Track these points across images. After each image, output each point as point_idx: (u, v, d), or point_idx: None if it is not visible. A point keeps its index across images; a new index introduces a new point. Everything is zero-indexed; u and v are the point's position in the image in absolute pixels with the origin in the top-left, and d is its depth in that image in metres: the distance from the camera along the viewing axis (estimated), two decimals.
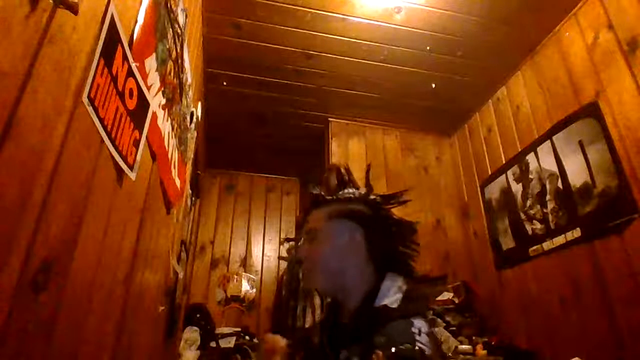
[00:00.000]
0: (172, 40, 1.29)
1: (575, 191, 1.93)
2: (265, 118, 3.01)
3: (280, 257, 3.58)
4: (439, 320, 2.34)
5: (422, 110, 2.94)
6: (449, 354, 2.08)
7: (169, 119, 1.35)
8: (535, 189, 2.22)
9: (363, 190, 0.96)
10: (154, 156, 1.21)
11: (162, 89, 1.21)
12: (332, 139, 3.00)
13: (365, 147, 3.04)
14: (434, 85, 2.64)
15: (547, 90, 2.23)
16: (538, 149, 2.21)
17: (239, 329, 2.92)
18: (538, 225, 2.17)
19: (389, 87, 2.69)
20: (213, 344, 2.61)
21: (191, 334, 2.60)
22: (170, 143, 1.42)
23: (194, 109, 1.95)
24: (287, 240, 3.54)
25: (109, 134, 0.80)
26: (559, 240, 2.01)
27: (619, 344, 1.66)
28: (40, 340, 0.62)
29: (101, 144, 0.79)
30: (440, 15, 2.14)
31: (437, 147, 3.21)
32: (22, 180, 0.55)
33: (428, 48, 2.35)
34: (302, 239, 0.98)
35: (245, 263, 3.50)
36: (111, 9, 0.77)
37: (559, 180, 2.04)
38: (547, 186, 2.12)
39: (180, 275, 2.14)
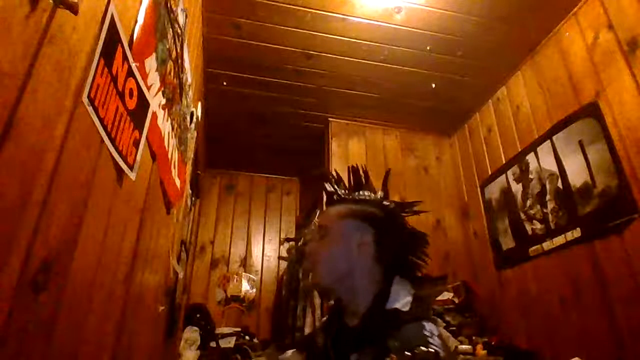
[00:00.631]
0: (172, 40, 1.29)
1: (575, 191, 1.93)
2: (265, 118, 3.01)
3: (280, 257, 3.58)
4: (439, 320, 2.34)
5: (422, 110, 2.94)
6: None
7: (169, 119, 1.35)
8: (535, 189, 2.22)
9: (379, 194, 0.97)
10: (154, 156, 1.21)
11: (162, 89, 1.21)
12: (332, 139, 3.00)
13: (365, 147, 3.04)
14: (434, 85, 2.64)
15: (547, 90, 2.23)
16: (538, 149, 2.21)
17: (239, 329, 2.92)
18: (538, 225, 2.17)
19: (389, 87, 2.69)
20: (213, 344, 2.61)
21: (191, 334, 2.60)
22: (170, 143, 1.42)
23: (194, 109, 1.95)
24: (287, 240, 3.54)
25: (109, 134, 0.80)
26: (559, 240, 2.01)
27: (619, 344, 1.66)
28: (40, 340, 0.62)
29: (101, 144, 0.79)
30: (440, 15, 2.14)
31: (437, 147, 3.21)
32: (22, 180, 0.55)
33: (428, 48, 2.35)
34: (313, 234, 0.98)
35: (245, 263, 3.50)
36: (111, 9, 0.77)
37: (559, 180, 2.04)
38: (547, 186, 2.12)
39: (180, 275, 2.14)
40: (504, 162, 2.53)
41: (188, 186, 2.16)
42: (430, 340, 0.73)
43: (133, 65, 0.91)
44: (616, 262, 1.71)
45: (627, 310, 1.65)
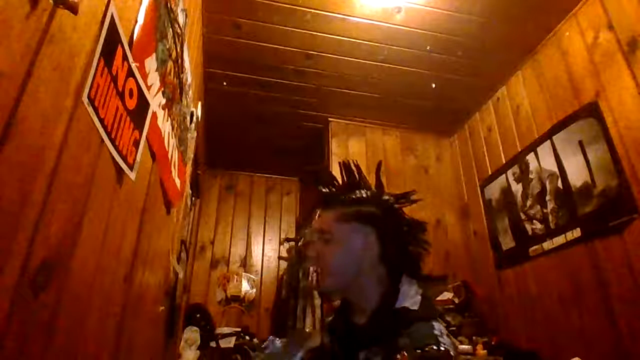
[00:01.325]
0: (172, 40, 1.29)
1: (575, 191, 1.93)
2: (265, 118, 3.01)
3: (280, 257, 3.58)
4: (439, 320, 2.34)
5: (422, 110, 2.94)
6: None
7: (169, 119, 1.35)
8: (535, 189, 2.22)
9: (374, 190, 0.96)
10: (154, 156, 1.21)
11: (162, 89, 1.21)
12: (332, 139, 3.00)
13: (365, 147, 3.04)
14: (434, 85, 2.64)
15: (547, 90, 2.23)
16: (538, 149, 2.21)
17: (239, 329, 2.92)
18: (538, 225, 2.17)
19: (389, 87, 2.69)
20: (213, 344, 2.61)
21: (191, 334, 2.60)
22: (170, 143, 1.42)
23: (194, 109, 1.95)
24: (287, 240, 3.54)
25: (109, 134, 0.80)
26: (559, 240, 2.01)
27: (619, 344, 1.66)
28: (40, 340, 0.62)
29: (101, 144, 0.79)
30: (440, 15, 2.14)
31: (437, 147, 3.21)
32: (22, 180, 0.55)
33: (428, 48, 2.35)
34: (314, 238, 0.97)
35: (245, 263, 3.50)
36: (111, 9, 0.77)
37: (559, 180, 2.04)
38: (547, 186, 2.12)
39: (180, 275, 2.14)
40: (504, 162, 2.53)
41: (188, 186, 2.16)
42: (441, 339, 0.73)
43: (133, 65, 0.91)
44: (616, 262, 1.71)
45: (627, 310, 1.65)
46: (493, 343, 2.20)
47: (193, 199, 2.73)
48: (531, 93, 2.37)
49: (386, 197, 0.95)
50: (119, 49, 0.83)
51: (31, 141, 0.56)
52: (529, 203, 2.25)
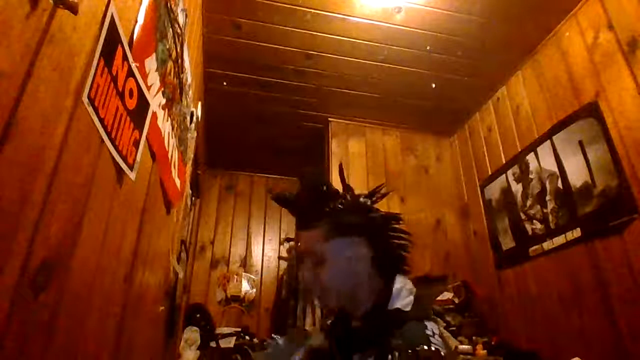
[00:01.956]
0: (172, 40, 1.29)
1: (575, 191, 1.93)
2: (265, 118, 3.01)
3: (280, 257, 3.58)
4: (439, 320, 2.34)
5: (422, 110, 2.94)
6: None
7: (169, 119, 1.35)
8: (535, 189, 2.22)
9: (347, 197, 0.92)
10: (154, 156, 1.21)
11: (162, 89, 1.21)
12: (332, 139, 3.00)
13: (365, 147, 3.04)
14: (434, 85, 2.64)
15: (547, 90, 2.23)
16: (538, 149, 2.21)
17: (239, 329, 2.92)
18: (538, 225, 2.17)
19: (389, 87, 2.68)
20: (213, 344, 2.61)
21: (191, 334, 2.60)
22: (170, 143, 1.42)
23: (194, 109, 1.95)
24: (287, 240, 3.54)
25: (109, 134, 0.80)
26: (559, 240, 2.01)
27: (619, 344, 1.66)
28: (40, 340, 0.62)
29: (101, 144, 0.79)
30: (440, 15, 2.14)
31: (437, 147, 3.21)
32: (22, 180, 0.55)
33: (428, 48, 2.35)
34: (301, 261, 0.95)
35: (245, 263, 3.50)
36: (111, 9, 0.77)
37: (559, 180, 2.04)
38: (547, 186, 2.12)
39: (180, 275, 2.14)
40: (504, 162, 2.53)
41: (188, 186, 2.16)
42: (432, 339, 0.73)
43: (133, 65, 0.91)
44: (616, 262, 1.71)
45: (627, 310, 1.65)
46: (493, 343, 2.20)
47: (193, 199, 2.73)
48: (531, 93, 2.37)
49: (362, 200, 0.92)
50: (119, 49, 0.83)
51: (31, 141, 0.56)
52: (529, 203, 2.25)
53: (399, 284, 0.85)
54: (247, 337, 2.83)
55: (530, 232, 2.22)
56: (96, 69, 0.72)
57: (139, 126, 0.99)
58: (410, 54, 2.40)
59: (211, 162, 3.60)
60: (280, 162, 3.66)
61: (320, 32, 2.25)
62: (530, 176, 2.26)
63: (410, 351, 0.68)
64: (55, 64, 0.61)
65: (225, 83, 2.63)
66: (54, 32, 0.59)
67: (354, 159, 2.97)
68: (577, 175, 1.93)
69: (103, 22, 0.75)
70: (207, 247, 3.48)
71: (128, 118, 0.90)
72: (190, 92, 1.80)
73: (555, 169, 2.07)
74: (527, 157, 2.29)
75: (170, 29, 1.26)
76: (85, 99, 0.69)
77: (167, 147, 1.36)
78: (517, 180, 2.37)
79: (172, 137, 1.43)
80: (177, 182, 1.62)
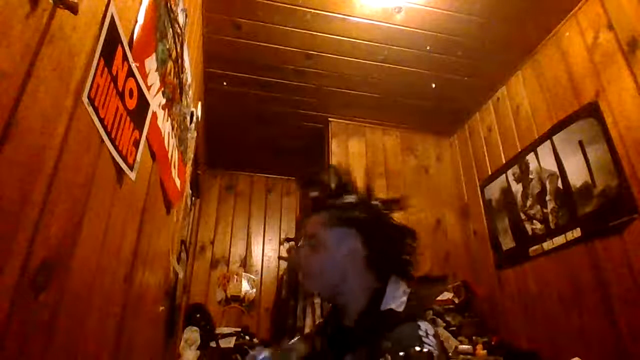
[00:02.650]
0: (172, 40, 1.29)
1: (575, 191, 1.93)
2: (265, 118, 3.01)
3: (280, 257, 3.58)
4: (439, 320, 2.34)
5: (422, 110, 2.94)
6: (449, 354, 2.08)
7: (169, 119, 1.35)
8: (535, 189, 2.22)
9: (363, 195, 0.95)
10: (154, 156, 1.21)
11: (162, 89, 1.21)
12: (332, 139, 3.00)
13: (365, 147, 3.04)
14: (434, 85, 2.64)
15: (547, 90, 2.23)
16: (538, 149, 2.21)
17: (239, 329, 2.92)
18: (538, 225, 2.17)
19: (388, 87, 2.68)
20: (213, 344, 2.61)
21: (191, 334, 2.60)
22: (170, 143, 1.42)
23: (194, 109, 1.95)
24: (287, 240, 3.54)
25: (109, 134, 0.80)
26: (559, 240, 2.01)
27: (619, 344, 1.66)
28: (40, 340, 0.62)
29: (101, 144, 0.79)
30: (440, 15, 2.14)
31: (437, 147, 3.21)
32: (22, 180, 0.55)
33: (428, 48, 2.35)
34: (301, 242, 0.97)
35: (245, 263, 3.50)
36: (111, 9, 0.77)
37: (559, 180, 2.04)
38: (547, 186, 2.12)
39: (180, 275, 2.14)
40: (504, 162, 2.53)
41: (188, 186, 2.16)
42: (425, 339, 0.73)
43: (133, 65, 0.91)
44: (616, 262, 1.71)
45: (627, 310, 1.65)
46: (493, 343, 2.20)
47: (193, 199, 2.73)
48: (531, 93, 2.37)
49: (374, 202, 0.94)
50: (119, 49, 0.83)
51: (31, 141, 0.56)
52: (529, 203, 2.25)
53: (393, 284, 0.85)
54: (247, 337, 2.83)
55: (530, 232, 2.22)
56: (96, 69, 0.72)
57: (139, 126, 0.99)
58: (410, 54, 2.40)
59: (211, 162, 3.60)
60: (280, 162, 3.66)
61: (320, 32, 2.25)
62: (530, 176, 2.26)
63: (402, 353, 0.68)
64: (55, 64, 0.61)
65: (225, 83, 2.63)
66: (54, 32, 0.59)
67: (354, 159, 2.97)
68: (577, 175, 1.93)
69: (103, 22, 0.75)
70: (207, 247, 3.48)
71: (128, 118, 0.90)
72: (190, 92, 1.80)
73: (555, 169, 2.07)
74: (527, 157, 2.29)
75: (170, 29, 1.26)
76: (85, 99, 0.69)
77: (167, 147, 1.36)
78: (517, 180, 2.37)
79: (172, 137, 1.43)
80: (177, 182, 1.62)
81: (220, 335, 2.72)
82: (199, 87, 2.38)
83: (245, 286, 3.32)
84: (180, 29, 1.38)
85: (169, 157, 1.42)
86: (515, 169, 2.40)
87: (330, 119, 3.03)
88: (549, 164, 2.12)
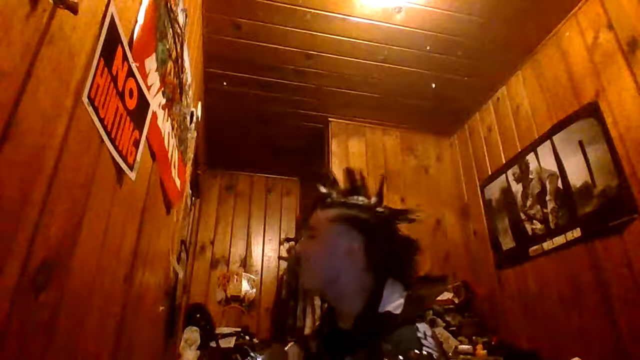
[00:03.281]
0: (172, 40, 1.29)
1: (575, 191, 1.93)
2: (265, 118, 3.01)
3: (280, 257, 3.58)
4: (439, 320, 2.34)
5: (422, 110, 2.94)
6: (449, 354, 2.08)
7: (169, 119, 1.35)
8: (535, 189, 2.22)
9: (373, 200, 0.95)
10: (154, 156, 1.21)
11: (162, 89, 1.21)
12: (332, 139, 3.00)
13: (365, 147, 3.04)
14: (434, 85, 2.64)
15: (547, 90, 2.23)
16: (538, 149, 2.21)
17: (239, 329, 2.92)
18: (538, 225, 2.17)
19: (389, 87, 2.69)
20: (213, 344, 2.61)
21: (191, 334, 2.60)
22: (170, 143, 1.42)
23: (194, 109, 1.95)
24: (287, 240, 3.54)
25: (109, 134, 0.80)
26: (559, 240, 2.01)
27: (619, 344, 1.66)
28: (40, 340, 0.62)
29: (101, 144, 0.79)
30: (440, 15, 2.14)
31: (437, 147, 3.21)
32: (22, 180, 0.55)
33: (428, 48, 2.35)
34: (304, 234, 0.97)
35: (245, 263, 3.50)
36: (111, 9, 0.77)
37: (559, 180, 2.04)
38: (547, 186, 2.12)
39: (180, 275, 2.14)
40: (504, 162, 2.53)
41: (188, 186, 2.16)
42: (424, 342, 0.72)
43: (133, 65, 0.91)
44: (616, 262, 1.71)
45: (627, 310, 1.65)
46: (493, 343, 2.20)
47: (193, 199, 2.73)
48: (531, 93, 2.37)
49: (381, 209, 0.93)
50: (119, 49, 0.83)
51: (31, 141, 0.56)
52: (529, 203, 2.25)
53: (390, 286, 0.84)
54: (247, 337, 2.83)
55: (530, 232, 2.22)
56: (96, 69, 0.72)
57: (139, 126, 0.99)
58: (410, 54, 2.40)
59: (211, 162, 3.60)
60: (280, 162, 3.66)
61: (320, 32, 2.25)
62: (530, 176, 2.26)
63: (401, 357, 0.68)
64: (55, 64, 0.61)
65: (225, 83, 2.63)
66: (54, 32, 0.59)
67: (354, 159, 2.97)
68: (577, 175, 1.93)
69: (103, 22, 0.75)
70: (207, 247, 3.48)
71: (128, 118, 0.90)
72: (190, 92, 1.80)
73: (555, 169, 2.07)
74: (527, 157, 2.29)
75: (170, 29, 1.26)
76: (85, 99, 0.69)
77: (167, 147, 1.36)
78: (517, 180, 2.37)
79: (172, 137, 1.43)
80: (177, 182, 1.62)
81: (220, 335, 2.72)
82: (199, 87, 2.38)
83: (245, 286, 3.31)
84: (180, 29, 1.38)
85: (169, 157, 1.42)
86: (515, 169, 2.40)
87: (330, 119, 3.03)
88: (549, 164, 2.12)
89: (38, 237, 0.58)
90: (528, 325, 2.20)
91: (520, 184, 2.34)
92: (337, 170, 2.89)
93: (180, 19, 1.38)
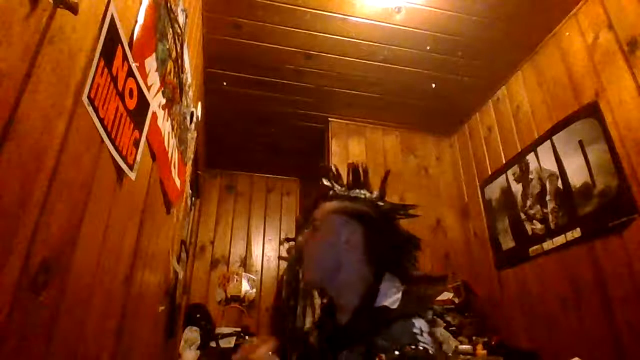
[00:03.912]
0: (172, 40, 1.29)
1: (575, 191, 1.93)
2: (265, 118, 3.01)
3: (280, 257, 3.58)
4: (439, 320, 2.34)
5: (422, 110, 2.94)
6: (449, 354, 2.08)
7: (169, 119, 1.35)
8: (535, 189, 2.22)
9: (375, 194, 0.97)
10: (154, 156, 1.21)
11: (162, 89, 1.21)
12: (332, 139, 3.00)
13: (365, 147, 3.04)
14: (434, 85, 2.64)
15: (547, 90, 2.23)
16: (538, 149, 2.21)
17: (239, 329, 2.92)
18: (538, 225, 2.17)
19: (389, 87, 2.68)
20: (213, 344, 2.61)
21: (191, 334, 2.60)
22: (170, 143, 1.42)
23: (194, 109, 1.95)
24: (287, 240, 3.54)
25: (109, 134, 0.80)
26: (559, 240, 2.01)
27: (619, 344, 1.66)
28: (40, 340, 0.62)
29: (101, 144, 0.79)
30: (440, 15, 2.14)
31: (437, 147, 3.21)
32: (22, 180, 0.55)
33: (428, 48, 2.35)
34: (307, 226, 0.98)
35: (245, 263, 3.50)
36: (111, 9, 0.77)
37: (559, 180, 2.04)
38: (547, 186, 2.12)
39: (180, 275, 2.14)
40: (504, 162, 2.53)
41: (188, 186, 2.16)
42: (420, 337, 0.72)
43: (133, 65, 0.91)
44: (616, 262, 1.71)
45: (627, 310, 1.65)
46: (493, 343, 2.20)
47: (193, 199, 2.73)
48: (531, 93, 2.37)
49: (382, 203, 0.95)
50: (119, 49, 0.83)
51: (31, 141, 0.56)
52: (529, 203, 2.25)
53: (387, 281, 0.85)
54: (247, 337, 2.83)
55: (530, 232, 2.22)
56: (96, 69, 0.72)
57: (139, 126, 0.99)
58: (410, 54, 2.40)
59: (211, 162, 3.60)
60: (280, 162, 3.66)
61: (320, 32, 2.25)
62: (530, 176, 2.26)
63: (397, 352, 0.68)
64: (55, 64, 0.61)
65: (225, 83, 2.63)
66: (54, 32, 0.59)
67: (354, 159, 2.94)
68: (577, 175, 1.93)
69: (103, 22, 0.75)
70: (207, 247, 3.48)
71: (128, 118, 0.90)
72: (190, 92, 1.80)
73: (555, 169, 2.07)
74: (527, 157, 2.29)
75: (170, 29, 1.26)
76: (85, 99, 0.69)
77: (167, 147, 1.36)
78: (517, 180, 2.37)
79: (172, 137, 1.43)
80: (177, 182, 1.62)
81: (220, 335, 2.72)
82: (199, 87, 2.38)
83: (245, 286, 3.31)
84: (180, 29, 1.38)
85: (169, 157, 1.42)
86: (515, 169, 2.40)
87: (330, 119, 3.03)
88: (549, 164, 2.12)
89: (38, 236, 0.58)
90: (528, 325, 2.20)
91: (520, 184, 2.34)
92: (339, 167, 2.89)
93: (180, 19, 1.38)
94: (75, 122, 0.67)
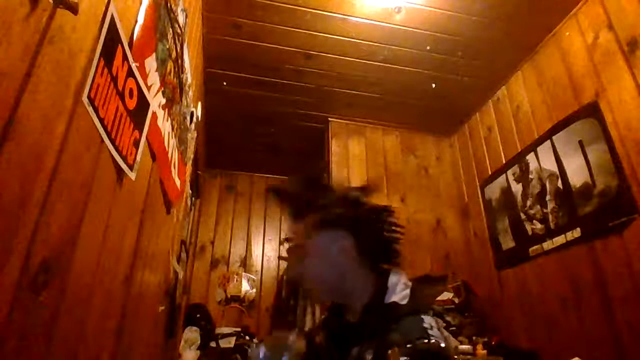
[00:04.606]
0: (172, 40, 1.29)
1: (575, 191, 1.93)
2: (265, 118, 3.01)
3: (280, 257, 3.58)
4: (439, 320, 2.34)
5: (422, 110, 2.94)
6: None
7: (169, 119, 1.35)
8: (535, 189, 2.22)
9: (338, 191, 0.94)
10: (154, 156, 1.21)
11: (162, 89, 1.21)
12: (332, 139, 3.00)
13: (365, 147, 3.04)
14: (434, 85, 2.64)
15: (547, 90, 2.23)
16: (538, 149, 2.21)
17: (239, 329, 2.92)
18: (538, 225, 2.17)
19: (389, 87, 2.68)
20: (213, 344, 2.61)
21: (191, 334, 2.60)
22: (170, 143, 1.42)
23: (194, 109, 1.95)
24: (287, 240, 3.53)
25: (109, 134, 0.80)
26: (559, 240, 2.01)
27: (619, 344, 1.66)
28: (40, 340, 0.62)
29: (101, 144, 0.79)
30: (440, 15, 2.14)
31: (437, 147, 3.21)
32: (22, 180, 0.55)
33: (428, 48, 2.35)
34: (290, 256, 0.97)
35: (245, 263, 3.50)
36: (111, 9, 0.77)
37: (559, 180, 2.04)
38: (547, 186, 2.12)
39: (180, 275, 2.14)
40: (504, 162, 2.53)
41: (188, 186, 2.16)
42: (431, 332, 0.73)
43: (133, 65, 0.91)
44: (616, 262, 1.71)
45: (627, 310, 1.65)
46: (493, 343, 2.20)
47: (193, 199, 2.73)
48: (531, 93, 2.37)
49: (352, 193, 0.93)
50: (119, 49, 0.83)
51: (31, 141, 0.56)
52: (529, 203, 2.25)
53: (394, 278, 0.85)
54: (247, 337, 2.83)
55: (530, 232, 2.22)
56: (96, 69, 0.72)
57: (139, 126, 0.99)
58: (410, 54, 2.40)
59: (211, 162, 3.60)
60: (280, 162, 3.66)
61: (320, 32, 2.25)
62: (530, 176, 2.26)
63: (408, 345, 0.69)
64: (55, 64, 0.61)
65: (225, 83, 2.63)
66: (54, 32, 0.59)
67: (354, 159, 2.97)
68: (577, 175, 1.93)
69: (103, 22, 0.75)
70: (207, 247, 3.48)
71: (128, 118, 0.90)
72: (190, 92, 1.80)
73: (555, 169, 2.07)
74: (527, 157, 2.29)
75: (170, 29, 1.26)
76: (85, 99, 0.69)
77: (167, 147, 1.36)
78: (517, 180, 2.37)
79: (172, 137, 1.43)
80: (177, 182, 1.62)
81: (220, 335, 2.72)
82: (199, 87, 2.38)
83: (245, 286, 3.31)
84: (180, 29, 1.38)
85: (169, 157, 1.42)
86: (515, 169, 2.40)
87: (330, 119, 3.03)
88: (549, 164, 2.12)
89: (38, 236, 0.58)
90: (528, 325, 2.20)
91: (520, 184, 2.34)
92: (338, 170, 2.89)
93: (180, 19, 1.38)
94: (75, 122, 0.67)
